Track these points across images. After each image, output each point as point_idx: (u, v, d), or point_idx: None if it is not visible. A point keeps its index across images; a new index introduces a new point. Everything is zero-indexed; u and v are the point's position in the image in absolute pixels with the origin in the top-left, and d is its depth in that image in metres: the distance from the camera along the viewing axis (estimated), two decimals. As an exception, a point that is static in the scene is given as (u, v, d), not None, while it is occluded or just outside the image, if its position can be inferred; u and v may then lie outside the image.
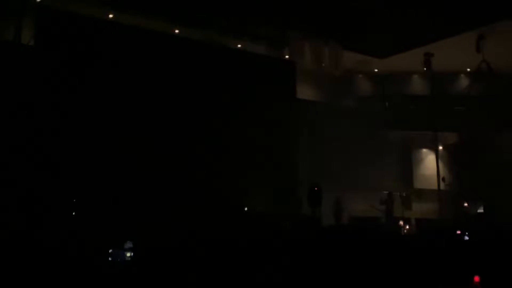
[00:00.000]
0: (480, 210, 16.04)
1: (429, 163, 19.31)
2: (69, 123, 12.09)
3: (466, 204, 16.68)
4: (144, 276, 6.80)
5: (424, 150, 19.91)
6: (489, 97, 18.47)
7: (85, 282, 6.36)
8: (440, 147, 19.04)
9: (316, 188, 13.80)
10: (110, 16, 14.49)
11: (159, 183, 12.75)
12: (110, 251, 7.93)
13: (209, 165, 13.66)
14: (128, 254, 8.14)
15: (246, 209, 13.46)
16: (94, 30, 13.13)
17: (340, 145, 16.43)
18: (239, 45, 16.69)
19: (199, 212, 12.00)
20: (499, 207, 15.03)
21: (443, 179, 16.18)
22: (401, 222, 15.22)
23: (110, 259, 7.72)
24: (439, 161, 17.25)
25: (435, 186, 16.71)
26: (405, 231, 15.02)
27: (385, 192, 15.91)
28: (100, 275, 6.74)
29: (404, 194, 17.03)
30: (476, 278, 4.39)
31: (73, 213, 11.07)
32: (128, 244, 8.55)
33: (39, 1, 13.45)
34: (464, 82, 20.22)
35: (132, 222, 10.49)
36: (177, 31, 15.57)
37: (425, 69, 16.94)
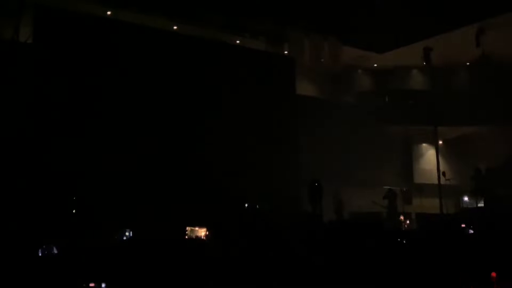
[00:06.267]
0: (481, 204, 15.99)
1: (429, 158, 19.30)
2: (68, 119, 12.08)
3: (466, 198, 16.67)
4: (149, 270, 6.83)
5: (424, 145, 19.90)
6: (489, 90, 18.43)
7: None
8: (440, 142, 19.03)
9: (316, 184, 13.76)
10: (108, 13, 14.43)
11: (159, 179, 12.76)
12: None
13: (207, 161, 13.65)
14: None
15: (246, 205, 13.44)
16: (92, 27, 13.10)
17: (339, 140, 16.39)
18: (238, 41, 16.64)
19: (201, 208, 11.99)
20: (499, 201, 14.99)
21: (444, 174, 16.15)
22: (402, 217, 15.20)
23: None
24: (439, 156, 17.22)
25: (435, 181, 16.68)
26: (406, 226, 15.01)
27: (386, 187, 15.88)
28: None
29: (404, 189, 17.01)
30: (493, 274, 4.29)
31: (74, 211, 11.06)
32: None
33: (37, -1, 13.39)
34: (463, 76, 20.18)
35: (133, 217, 10.52)
36: (175, 27, 15.51)
37: (424, 63, 16.88)
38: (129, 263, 7.18)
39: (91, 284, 6.29)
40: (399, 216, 15.15)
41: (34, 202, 10.56)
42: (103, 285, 6.32)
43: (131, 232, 9.80)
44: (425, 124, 18.08)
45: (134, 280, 6.86)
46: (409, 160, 19.78)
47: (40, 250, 7.32)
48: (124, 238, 9.66)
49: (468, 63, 19.46)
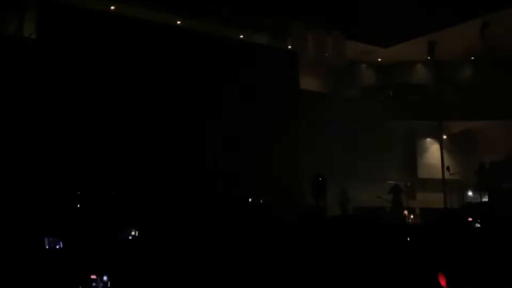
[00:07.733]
0: (485, 199, 15.97)
1: (433, 153, 19.26)
2: (72, 114, 12.10)
3: (470, 193, 16.63)
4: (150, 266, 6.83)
5: (428, 139, 19.83)
6: (493, 84, 18.37)
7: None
8: (444, 136, 18.98)
9: (320, 178, 13.76)
10: (112, 8, 14.42)
11: (165, 175, 12.79)
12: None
13: (210, 156, 13.66)
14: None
15: (250, 200, 13.45)
16: (96, 22, 13.10)
17: (343, 135, 16.36)
18: (241, 36, 16.61)
19: (204, 204, 12.01)
20: (504, 196, 14.95)
21: (448, 168, 16.12)
22: (406, 212, 15.19)
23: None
24: (444, 150, 17.20)
25: (439, 176, 16.67)
26: (410, 220, 15.00)
27: (391, 182, 15.86)
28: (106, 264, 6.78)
29: (408, 184, 16.99)
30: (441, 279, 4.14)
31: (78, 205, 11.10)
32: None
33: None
34: (468, 70, 20.09)
35: (137, 214, 10.52)
36: (179, 22, 15.49)
37: (429, 57, 16.84)
38: (133, 262, 7.17)
39: (93, 276, 6.26)
40: (403, 211, 15.14)
41: (39, 197, 10.59)
42: (105, 277, 6.30)
43: (136, 232, 9.74)
44: (429, 118, 18.09)
45: (137, 277, 6.87)
46: (413, 154, 19.72)
47: (46, 242, 7.31)
48: (130, 237, 9.62)
49: (472, 57, 19.37)
